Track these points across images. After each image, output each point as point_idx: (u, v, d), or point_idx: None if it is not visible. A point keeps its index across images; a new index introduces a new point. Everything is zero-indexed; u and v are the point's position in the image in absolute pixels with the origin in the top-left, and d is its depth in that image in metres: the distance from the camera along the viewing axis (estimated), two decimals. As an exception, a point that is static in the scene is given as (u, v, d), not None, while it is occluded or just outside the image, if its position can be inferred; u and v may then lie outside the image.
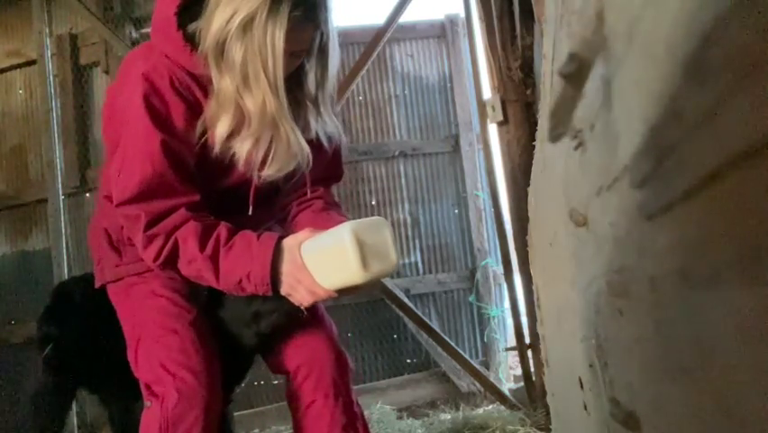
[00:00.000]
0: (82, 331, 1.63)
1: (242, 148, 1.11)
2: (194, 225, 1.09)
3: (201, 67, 1.09)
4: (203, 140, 1.13)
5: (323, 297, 1.11)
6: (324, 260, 1.08)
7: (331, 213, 1.31)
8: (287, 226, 1.36)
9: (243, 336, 1.22)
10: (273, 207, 1.36)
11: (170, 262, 1.11)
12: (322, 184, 1.36)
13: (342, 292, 1.12)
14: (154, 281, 1.21)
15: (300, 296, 1.11)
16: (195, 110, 1.12)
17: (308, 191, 1.31)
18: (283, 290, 1.11)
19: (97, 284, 1.30)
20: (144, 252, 1.11)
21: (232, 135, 1.11)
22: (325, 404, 1.23)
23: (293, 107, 1.13)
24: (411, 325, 3.10)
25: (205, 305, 1.22)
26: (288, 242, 1.11)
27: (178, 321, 1.17)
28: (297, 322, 1.26)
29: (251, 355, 1.40)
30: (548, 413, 1.94)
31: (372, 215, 2.63)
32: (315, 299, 1.12)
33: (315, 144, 1.24)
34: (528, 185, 1.75)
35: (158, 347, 1.15)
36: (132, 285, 1.23)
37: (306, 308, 1.20)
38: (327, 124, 1.23)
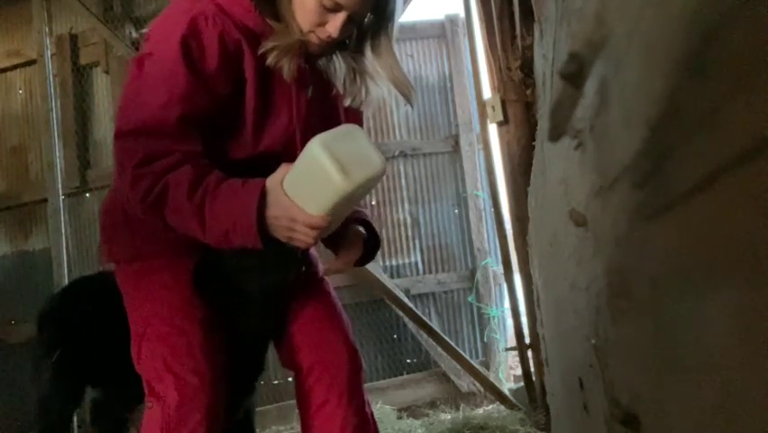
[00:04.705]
0: (91, 333, 1.62)
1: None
2: (188, 169, 1.01)
3: (256, 18, 1.08)
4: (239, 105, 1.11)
5: (322, 225, 1.02)
6: (305, 185, 1.02)
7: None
8: None
9: (248, 291, 1.17)
10: None
11: (157, 206, 1.02)
12: None
13: (338, 213, 1.05)
14: (165, 273, 1.16)
15: (301, 235, 1.02)
16: (236, 66, 1.09)
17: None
18: (281, 236, 1.03)
19: (104, 260, 1.24)
20: (132, 189, 1.02)
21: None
22: (339, 405, 1.22)
23: (351, 76, 1.22)
24: (411, 325, 3.10)
25: (206, 261, 1.17)
26: (269, 184, 1.03)
27: (187, 319, 1.12)
28: (300, 283, 1.25)
29: (264, 340, 1.34)
30: (548, 413, 1.94)
31: (372, 215, 2.62)
32: (316, 233, 1.03)
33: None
34: (528, 185, 1.75)
35: (163, 345, 1.11)
36: (142, 274, 1.18)
37: (323, 303, 1.19)
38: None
